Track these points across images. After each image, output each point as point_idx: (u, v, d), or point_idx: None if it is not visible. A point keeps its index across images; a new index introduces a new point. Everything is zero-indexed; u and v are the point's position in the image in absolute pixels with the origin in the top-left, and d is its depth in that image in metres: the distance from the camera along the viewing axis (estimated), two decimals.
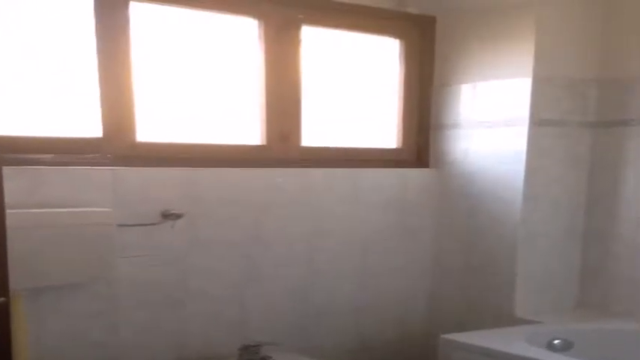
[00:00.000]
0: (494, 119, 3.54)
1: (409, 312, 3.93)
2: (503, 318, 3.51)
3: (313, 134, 3.57)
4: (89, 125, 2.95)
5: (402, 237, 3.82)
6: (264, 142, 3.39)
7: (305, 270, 3.51)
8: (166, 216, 3.01)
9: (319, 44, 3.55)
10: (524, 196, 3.43)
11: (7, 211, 2.11)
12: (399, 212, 3.79)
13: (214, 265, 3.21)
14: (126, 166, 2.95)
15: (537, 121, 3.39)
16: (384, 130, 3.87)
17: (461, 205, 3.77)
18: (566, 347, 3.19)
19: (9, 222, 2.13)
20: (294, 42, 3.39)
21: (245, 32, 3.32)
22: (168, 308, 3.12)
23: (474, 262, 3.72)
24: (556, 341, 3.19)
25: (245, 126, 3.39)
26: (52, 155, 2.83)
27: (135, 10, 2.97)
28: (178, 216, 3.02)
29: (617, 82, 3.45)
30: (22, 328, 2.54)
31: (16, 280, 2.22)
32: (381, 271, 3.77)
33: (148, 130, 3.09)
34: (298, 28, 3.40)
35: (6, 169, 2.10)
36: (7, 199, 2.09)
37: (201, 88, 3.23)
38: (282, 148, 3.43)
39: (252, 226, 3.29)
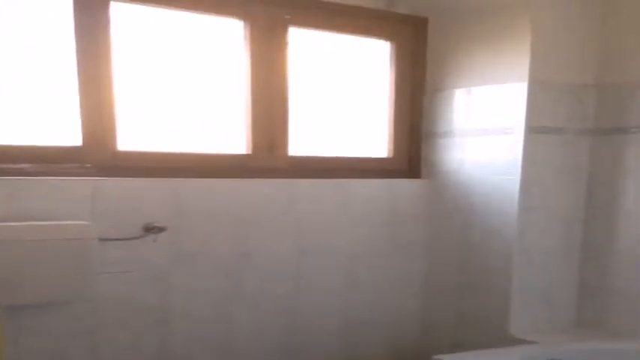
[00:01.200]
0: (488, 126, 3.65)
1: (400, 330, 4.06)
2: (498, 337, 3.61)
3: (301, 143, 3.69)
4: (68, 133, 3.07)
5: (392, 251, 3.96)
6: (250, 152, 3.53)
7: (292, 286, 3.64)
8: (149, 229, 3.15)
9: (307, 47, 3.68)
10: (520, 209, 3.53)
11: None
12: (390, 225, 3.92)
13: (198, 282, 3.35)
14: (106, 176, 3.09)
15: (533, 129, 3.49)
16: (374, 139, 4.00)
17: (454, 217, 3.89)
18: None
19: None
20: (281, 44, 3.54)
21: (230, 34, 3.45)
22: (150, 328, 3.25)
23: (468, 278, 3.83)
24: None
25: (230, 134, 3.52)
26: (29, 165, 2.96)
27: (116, 11, 3.10)
28: (161, 229, 3.15)
29: (617, 87, 3.54)
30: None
31: None
32: (371, 287, 3.91)
33: (130, 138, 3.21)
34: (285, 30, 3.54)
35: None
36: None
37: (184, 94, 3.36)
38: (269, 158, 3.57)
39: (237, 240, 3.43)
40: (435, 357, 3.28)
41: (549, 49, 3.49)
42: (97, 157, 3.11)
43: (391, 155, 4.03)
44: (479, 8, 3.67)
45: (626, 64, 3.52)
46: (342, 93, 3.85)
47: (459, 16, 3.79)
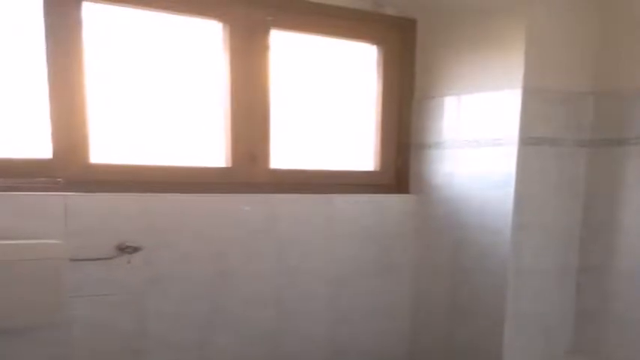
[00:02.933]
0: (480, 137, 3.76)
1: (387, 357, 4.20)
2: None
3: (283, 155, 3.82)
4: (37, 145, 3.17)
5: (379, 272, 4.10)
6: (230, 164, 3.67)
7: (274, 310, 3.79)
8: (122, 249, 3.28)
9: (289, 51, 3.81)
10: (514, 226, 3.64)
11: None
12: (377, 244, 4.07)
13: (175, 305, 3.48)
14: (78, 191, 3.20)
15: (528, 139, 3.59)
16: (359, 150, 4.14)
17: (444, 235, 4.01)
18: None
19: None
20: (262, 48, 3.68)
21: (208, 37, 3.58)
22: (125, 354, 3.38)
23: (459, 301, 3.96)
24: None
25: (209, 145, 3.64)
26: None
27: (88, 13, 3.21)
28: (136, 249, 3.29)
29: (616, 95, 3.66)
30: None
31: None
32: (357, 312, 4.06)
33: (103, 150, 3.32)
34: (267, 32, 3.68)
35: None
36: None
37: (161, 102, 3.47)
38: (250, 171, 3.71)
39: (216, 260, 3.56)
40: None
41: (545, 54, 3.60)
42: (68, 171, 3.22)
43: (378, 168, 4.18)
44: (471, 9, 3.78)
45: (625, 71, 3.64)
46: (326, 101, 3.97)
47: (450, 17, 3.90)
